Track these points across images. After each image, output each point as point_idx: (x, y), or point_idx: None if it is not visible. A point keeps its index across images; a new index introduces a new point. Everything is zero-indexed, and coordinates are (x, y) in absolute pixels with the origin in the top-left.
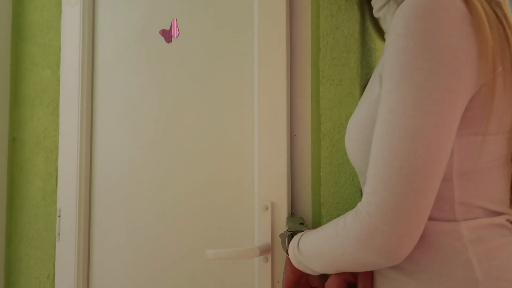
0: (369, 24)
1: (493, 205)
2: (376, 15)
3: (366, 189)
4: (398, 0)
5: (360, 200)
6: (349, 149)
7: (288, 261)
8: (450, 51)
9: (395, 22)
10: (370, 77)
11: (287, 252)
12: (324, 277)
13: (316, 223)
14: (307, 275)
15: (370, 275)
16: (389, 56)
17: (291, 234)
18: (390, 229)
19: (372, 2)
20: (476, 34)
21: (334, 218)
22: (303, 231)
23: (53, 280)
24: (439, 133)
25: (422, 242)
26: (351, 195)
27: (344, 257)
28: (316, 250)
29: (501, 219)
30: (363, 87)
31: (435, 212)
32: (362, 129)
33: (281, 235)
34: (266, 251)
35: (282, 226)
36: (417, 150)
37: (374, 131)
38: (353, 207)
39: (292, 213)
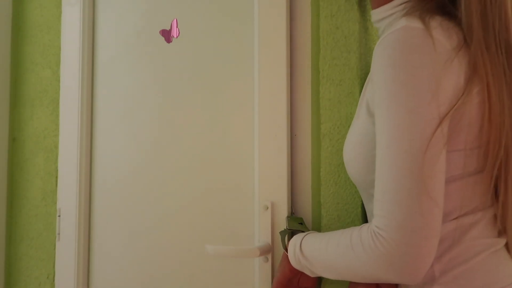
0: (369, 24)
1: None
2: (375, 25)
3: (379, 213)
4: (392, 22)
5: (359, 200)
6: (349, 170)
7: (286, 258)
8: (432, 79)
9: (376, 54)
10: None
11: (286, 250)
12: (318, 279)
13: (316, 223)
14: (300, 274)
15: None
16: (380, 86)
17: (292, 233)
18: (413, 250)
19: (372, 12)
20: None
21: (334, 218)
22: (303, 231)
23: (53, 280)
24: (437, 152)
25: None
26: (351, 195)
27: (361, 273)
28: (325, 261)
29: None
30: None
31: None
32: (357, 151)
33: (281, 232)
34: (266, 251)
35: (282, 226)
36: (422, 170)
37: (376, 156)
38: (353, 207)
39: (292, 213)
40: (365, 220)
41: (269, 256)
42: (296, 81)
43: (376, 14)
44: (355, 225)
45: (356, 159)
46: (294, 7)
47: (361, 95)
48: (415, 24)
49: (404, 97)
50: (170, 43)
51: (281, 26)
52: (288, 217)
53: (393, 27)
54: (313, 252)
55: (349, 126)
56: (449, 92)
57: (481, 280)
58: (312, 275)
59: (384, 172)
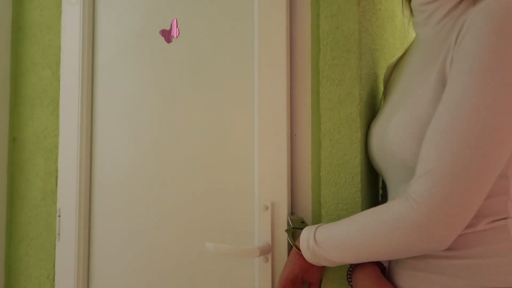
0: (369, 24)
1: None
2: (420, 8)
3: (424, 181)
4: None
5: (359, 200)
6: (401, 150)
7: (296, 254)
8: None
9: (478, 19)
10: (388, 77)
11: (295, 247)
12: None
13: (316, 223)
14: (306, 270)
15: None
16: (470, 52)
17: (300, 229)
18: (452, 220)
19: None
20: None
21: (334, 218)
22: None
23: (53, 280)
24: None
25: (474, 237)
26: (351, 195)
27: (388, 244)
28: (344, 240)
29: None
30: (363, 87)
31: (490, 208)
32: (420, 129)
33: (287, 230)
34: (266, 251)
35: (282, 226)
36: (490, 150)
37: (434, 124)
38: (353, 207)
39: (292, 213)
40: None
41: (269, 256)
42: (296, 81)
43: None
44: None
45: (418, 139)
46: (294, 7)
47: (420, 71)
48: None
49: (503, 71)
50: (170, 43)
51: (281, 26)
52: (290, 217)
53: None
54: (332, 240)
55: (349, 126)
56: None
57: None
58: (330, 265)
59: (447, 141)
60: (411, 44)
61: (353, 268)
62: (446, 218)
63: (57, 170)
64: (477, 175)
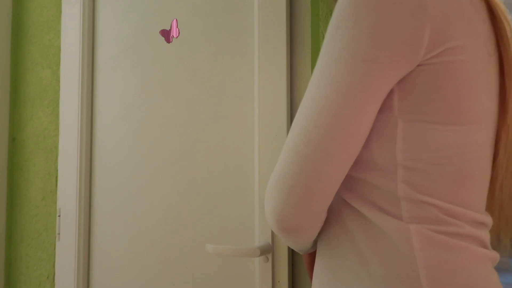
0: None
1: (455, 208)
2: None
3: (271, 177)
4: None
5: None
6: None
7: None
8: (381, 20)
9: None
10: None
11: None
12: None
13: None
14: (309, 263)
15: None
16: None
17: None
18: (277, 195)
19: None
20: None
21: None
22: None
23: (53, 280)
24: (346, 106)
25: (371, 234)
26: None
27: None
28: None
29: (465, 228)
30: None
31: (384, 205)
32: None
33: None
34: (266, 251)
35: None
36: (315, 121)
37: None
38: None
39: None
40: None
41: (269, 256)
42: (296, 81)
43: None
44: None
45: None
46: (294, 7)
47: None
48: None
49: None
50: (170, 43)
51: (281, 26)
52: None
53: None
54: None
55: None
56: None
57: None
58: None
59: (288, 141)
60: None
61: None
62: (275, 194)
63: (57, 170)
64: (302, 148)
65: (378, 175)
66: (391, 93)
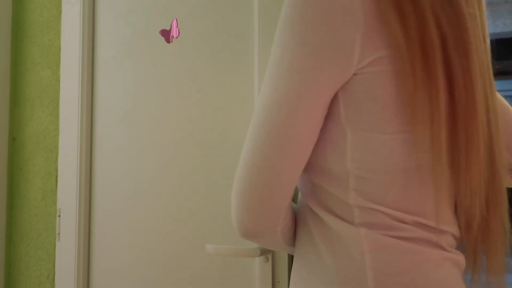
0: None
1: (405, 215)
2: None
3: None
4: None
5: None
6: None
7: None
8: (313, 30)
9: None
10: None
11: None
12: None
13: None
14: None
15: None
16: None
17: None
18: (235, 202)
19: None
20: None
21: None
22: None
23: (53, 280)
24: (286, 117)
25: (328, 237)
26: None
27: None
28: None
29: (417, 232)
30: None
31: (339, 211)
32: None
33: None
34: (267, 251)
35: None
36: (261, 130)
37: None
38: None
39: None
40: None
41: (269, 256)
42: None
43: None
44: None
45: None
46: None
47: None
48: None
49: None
50: (170, 43)
51: None
52: None
53: None
54: None
55: None
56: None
57: None
58: None
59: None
60: None
61: None
62: (232, 200)
63: (57, 170)
64: (248, 156)
65: (333, 183)
66: (336, 100)
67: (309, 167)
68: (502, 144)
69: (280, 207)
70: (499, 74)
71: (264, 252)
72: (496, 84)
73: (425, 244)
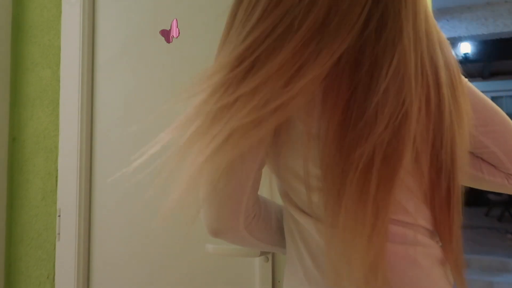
0: None
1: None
2: None
3: None
4: None
5: None
6: None
7: None
8: None
9: None
10: None
11: None
12: None
13: None
14: None
15: None
16: None
17: None
18: (202, 201)
19: None
20: None
21: None
22: None
23: (53, 280)
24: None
25: (304, 236)
26: None
27: None
28: None
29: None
30: None
31: (306, 208)
32: None
33: None
34: (267, 251)
35: None
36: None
37: None
38: None
39: None
40: None
41: (270, 256)
42: None
43: None
44: None
45: None
46: None
47: None
48: None
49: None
50: (170, 43)
51: None
52: None
53: None
54: None
55: None
56: None
57: None
58: None
59: None
60: None
61: None
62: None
63: (57, 170)
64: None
65: (299, 182)
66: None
67: (277, 168)
68: (465, 148)
69: (236, 206)
70: (499, 74)
71: (264, 252)
72: (496, 84)
73: (397, 239)
